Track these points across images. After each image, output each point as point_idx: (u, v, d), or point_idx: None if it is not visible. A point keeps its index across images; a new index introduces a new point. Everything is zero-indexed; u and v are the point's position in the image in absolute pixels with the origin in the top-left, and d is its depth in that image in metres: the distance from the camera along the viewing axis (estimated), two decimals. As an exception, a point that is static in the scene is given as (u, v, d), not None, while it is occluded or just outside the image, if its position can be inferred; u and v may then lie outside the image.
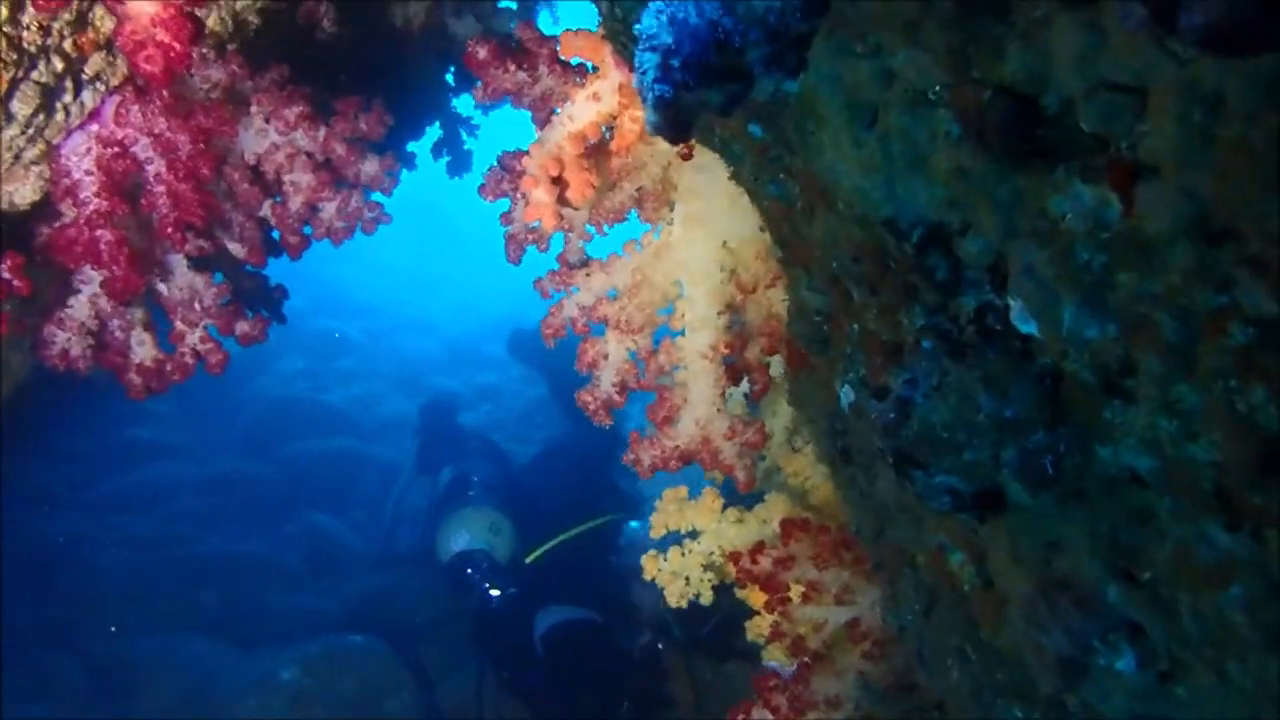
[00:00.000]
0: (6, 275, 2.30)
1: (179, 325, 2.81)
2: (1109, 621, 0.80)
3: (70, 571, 6.71)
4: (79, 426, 7.58)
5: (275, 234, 2.99)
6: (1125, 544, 0.80)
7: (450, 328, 12.14)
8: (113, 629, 6.34)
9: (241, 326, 2.93)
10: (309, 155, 2.67)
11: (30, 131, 2.23)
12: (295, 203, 2.70)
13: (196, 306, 2.80)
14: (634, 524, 5.80)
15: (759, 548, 1.72)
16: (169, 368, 2.85)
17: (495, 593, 5.53)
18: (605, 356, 1.80)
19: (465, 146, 5.17)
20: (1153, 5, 0.53)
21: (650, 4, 0.55)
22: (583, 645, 5.29)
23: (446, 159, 5.15)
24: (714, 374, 1.71)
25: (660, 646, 5.36)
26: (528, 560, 5.61)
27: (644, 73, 0.53)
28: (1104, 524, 0.81)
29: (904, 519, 1.11)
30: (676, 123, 0.55)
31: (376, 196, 2.89)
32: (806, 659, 1.60)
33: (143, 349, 2.78)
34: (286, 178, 2.68)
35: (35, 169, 2.46)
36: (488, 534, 5.61)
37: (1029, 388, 0.87)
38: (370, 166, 2.72)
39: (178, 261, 2.76)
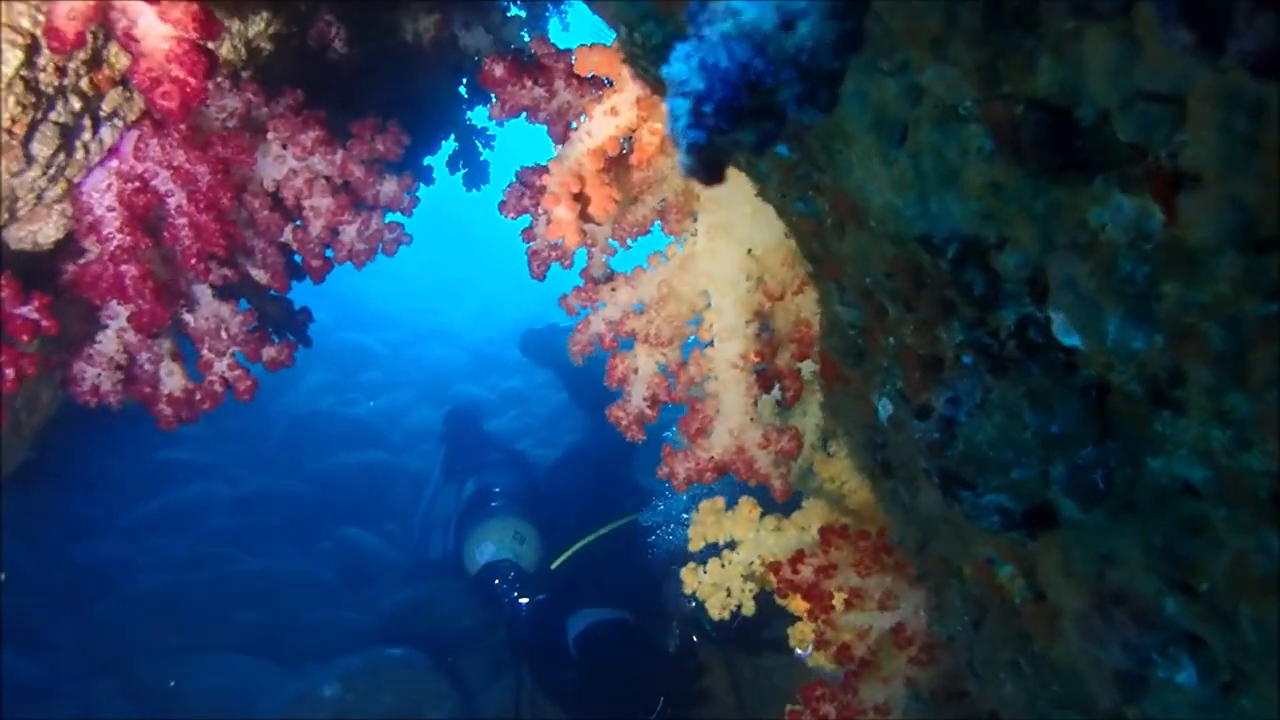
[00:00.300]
0: (34, 315, 2.31)
1: (206, 354, 2.83)
2: (1168, 634, 0.78)
3: (110, 596, 6.77)
4: (110, 452, 7.65)
5: (297, 257, 3.00)
6: (1181, 555, 0.78)
7: (472, 335, 12.18)
8: (151, 652, 6.40)
9: (268, 352, 2.94)
10: (327, 179, 2.68)
11: (51, 171, 2.24)
12: (316, 227, 2.71)
13: (223, 335, 2.82)
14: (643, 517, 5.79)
15: (799, 556, 1.71)
16: (199, 396, 2.87)
17: (524, 600, 5.55)
18: (635, 371, 1.79)
19: (481, 157, 5.18)
20: (1199, 31, 0.52)
21: (678, 46, 0.54)
22: (617, 645, 5.30)
23: (463, 171, 5.15)
24: (745, 383, 1.70)
25: (695, 640, 5.36)
26: (553, 566, 5.63)
27: (676, 119, 0.53)
28: (1158, 536, 0.79)
29: (948, 532, 1.09)
30: (711, 165, 0.54)
31: (396, 217, 2.89)
32: (853, 667, 1.59)
33: (172, 379, 2.80)
34: (306, 203, 2.68)
35: (58, 208, 2.47)
36: (513, 543, 5.64)
37: (1075, 402, 0.85)
38: (389, 187, 2.72)
39: (202, 291, 2.77)
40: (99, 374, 2.62)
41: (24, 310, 2.32)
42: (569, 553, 5.66)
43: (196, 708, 5.89)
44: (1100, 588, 0.83)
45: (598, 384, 7.14)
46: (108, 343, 2.61)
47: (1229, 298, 0.77)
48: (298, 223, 2.84)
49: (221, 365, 2.83)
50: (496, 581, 5.58)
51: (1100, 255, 0.84)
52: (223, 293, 2.83)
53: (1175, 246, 0.80)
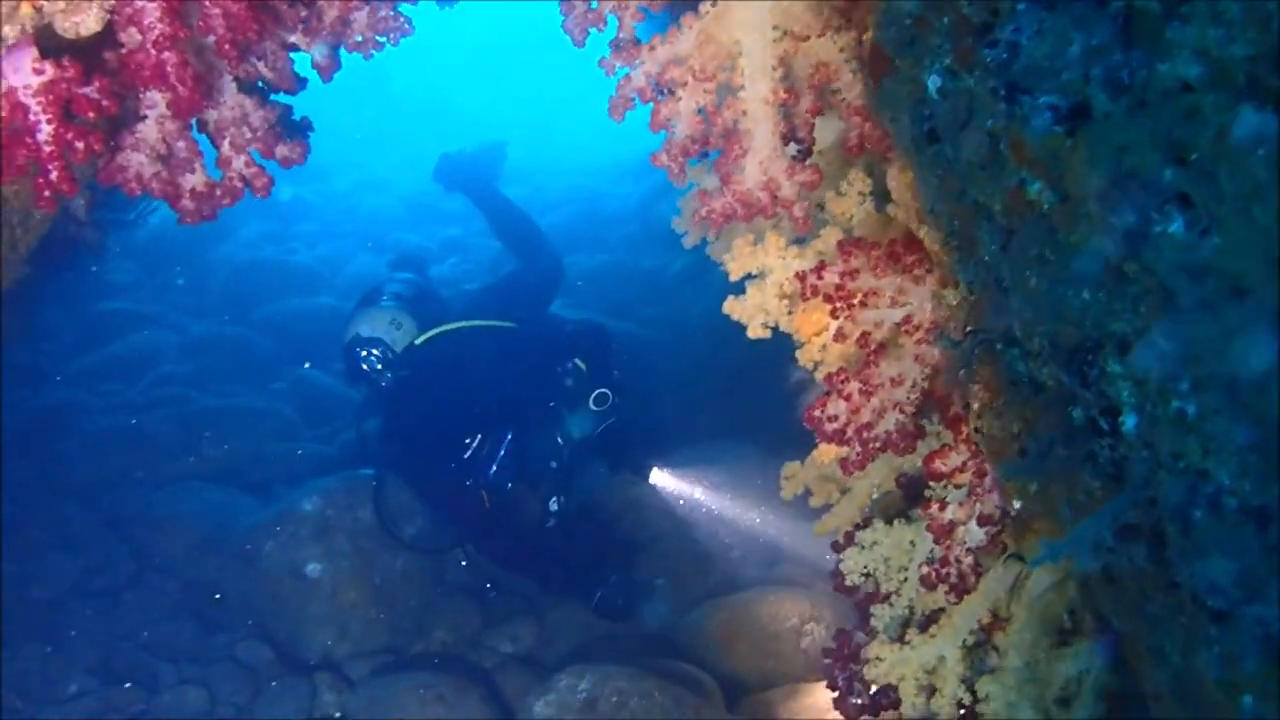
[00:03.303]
0: (96, 95, 2.49)
1: (225, 150, 3.00)
2: (1164, 195, 1.09)
3: (71, 436, 6.87)
4: (48, 304, 7.60)
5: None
6: (1178, 138, 1.08)
7: (404, 186, 12.18)
8: (122, 483, 6.56)
9: (282, 150, 3.11)
10: (340, -30, 2.83)
11: (88, -39, 2.38)
12: (330, 15, 2.87)
13: (246, 128, 2.99)
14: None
15: (821, 265, 2.02)
16: (218, 192, 3.04)
17: (389, 375, 5.76)
18: (678, 113, 2.04)
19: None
20: None
21: None
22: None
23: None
24: (772, 120, 1.96)
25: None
26: (418, 342, 5.83)
27: None
28: (1163, 124, 1.09)
29: (983, 176, 1.40)
30: None
31: (403, 9, 3.06)
32: (872, 349, 1.93)
33: (193, 175, 2.97)
34: (319, -9, 2.83)
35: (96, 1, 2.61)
36: (389, 328, 5.85)
37: (1108, 23, 1.14)
38: (394, -23, 2.88)
39: (227, 85, 2.94)
40: (142, 160, 2.79)
41: (87, 90, 2.49)
42: (435, 331, 5.89)
43: (174, 531, 6.10)
44: (1116, 169, 1.13)
45: (509, 213, 7.23)
46: (149, 130, 2.77)
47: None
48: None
49: (239, 162, 3.01)
50: (362, 354, 5.76)
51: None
52: (244, 88, 3.00)
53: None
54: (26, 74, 2.43)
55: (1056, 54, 1.18)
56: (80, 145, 2.46)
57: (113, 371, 7.96)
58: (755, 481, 5.97)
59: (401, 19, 2.95)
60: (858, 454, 1.92)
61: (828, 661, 2.86)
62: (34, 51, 2.44)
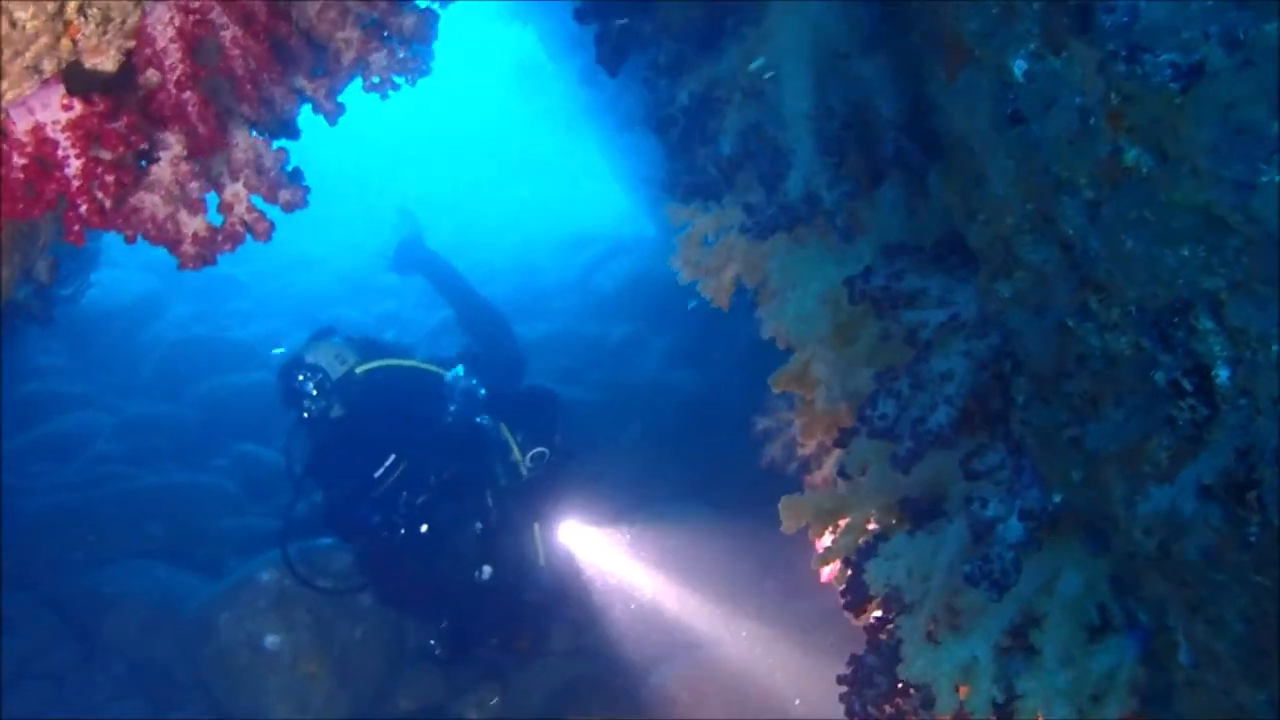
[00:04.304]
0: (124, 130, 2.51)
1: (228, 195, 3.01)
2: (1272, 147, 1.22)
3: (4, 520, 6.61)
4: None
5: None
6: (1285, 92, 1.22)
7: (339, 262, 12.14)
8: (60, 564, 6.33)
9: (284, 194, 3.13)
10: (357, 14, 2.92)
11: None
12: (348, 58, 2.93)
13: (257, 171, 3.02)
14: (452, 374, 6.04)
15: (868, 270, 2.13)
16: (219, 237, 3.05)
17: (322, 405, 5.61)
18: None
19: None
20: None
21: None
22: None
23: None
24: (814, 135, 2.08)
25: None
26: (358, 370, 5.74)
27: None
28: (1270, 79, 1.23)
29: (1071, 150, 1.52)
30: None
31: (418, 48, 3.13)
32: (924, 347, 2.02)
33: (195, 220, 2.98)
34: (339, 35, 2.91)
35: (116, 42, 2.65)
36: (333, 360, 5.74)
37: (1227, -14, 1.28)
38: (409, 20, 2.97)
39: (239, 126, 2.97)
40: (156, 201, 2.80)
41: (116, 125, 2.51)
42: (375, 365, 5.81)
43: (122, 608, 5.90)
44: (1224, 124, 1.25)
45: (473, 301, 7.19)
46: (163, 172, 2.79)
47: None
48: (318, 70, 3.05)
49: (241, 208, 3.03)
50: (300, 378, 5.63)
51: None
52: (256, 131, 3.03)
53: None
54: (55, 110, 2.44)
55: (1176, 13, 1.32)
56: (110, 179, 2.47)
57: (42, 452, 7.71)
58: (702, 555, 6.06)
59: (419, 59, 3.01)
60: (908, 448, 2.01)
61: (844, 689, 2.91)
62: (61, 88, 2.45)
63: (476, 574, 5.61)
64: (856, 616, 3.11)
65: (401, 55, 2.93)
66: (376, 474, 5.48)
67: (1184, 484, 1.44)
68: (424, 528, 5.54)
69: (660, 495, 6.80)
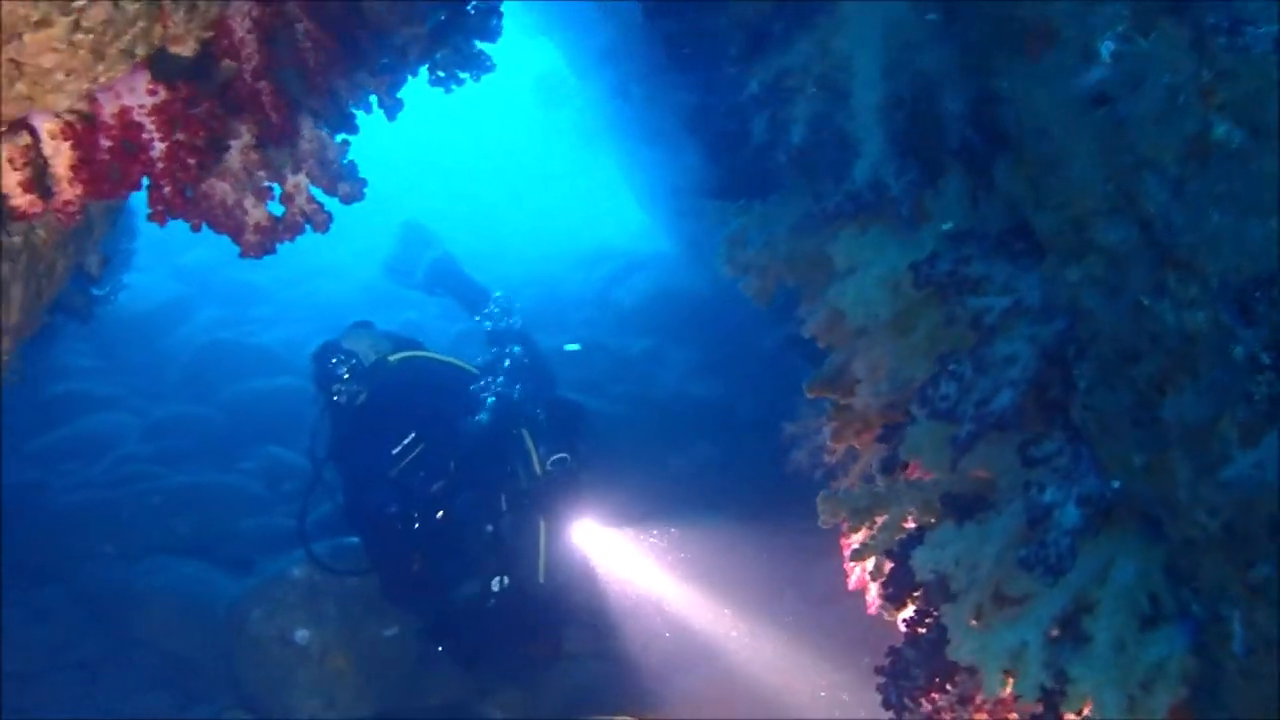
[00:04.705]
0: (204, 115, 2.61)
1: (289, 185, 3.10)
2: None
3: (34, 515, 6.69)
4: (-1, 386, 7.37)
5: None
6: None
7: (361, 272, 12.22)
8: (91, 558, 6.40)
9: (343, 187, 3.23)
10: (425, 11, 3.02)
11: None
12: (414, 54, 3.04)
13: (321, 163, 3.11)
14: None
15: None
16: (280, 227, 3.13)
17: (353, 389, 5.69)
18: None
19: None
20: None
21: None
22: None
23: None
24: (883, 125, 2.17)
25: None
26: (391, 359, 5.88)
27: None
28: None
29: (1157, 128, 1.60)
30: None
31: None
32: (986, 332, 2.10)
33: (256, 210, 3.07)
34: (406, 31, 3.01)
35: (195, 32, 2.75)
36: (368, 349, 5.89)
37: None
38: (473, 19, 3.08)
39: (306, 118, 3.07)
40: (227, 189, 2.89)
41: (198, 111, 2.62)
42: (405, 354, 5.98)
43: (151, 605, 5.98)
44: None
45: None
46: (233, 160, 2.88)
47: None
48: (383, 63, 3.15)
49: (302, 198, 3.12)
50: (332, 360, 5.74)
51: None
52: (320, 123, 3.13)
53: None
54: (141, 94, 2.54)
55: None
56: (192, 162, 2.56)
57: (71, 452, 7.79)
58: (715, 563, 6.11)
59: (484, 55, 3.10)
60: (969, 430, 2.08)
61: (882, 680, 2.97)
62: (147, 74, 2.55)
63: (492, 584, 5.62)
64: (895, 610, 3.17)
65: (467, 51, 3.03)
66: (394, 450, 5.55)
67: (1269, 448, 1.50)
68: (439, 514, 5.57)
69: (685, 503, 6.87)
